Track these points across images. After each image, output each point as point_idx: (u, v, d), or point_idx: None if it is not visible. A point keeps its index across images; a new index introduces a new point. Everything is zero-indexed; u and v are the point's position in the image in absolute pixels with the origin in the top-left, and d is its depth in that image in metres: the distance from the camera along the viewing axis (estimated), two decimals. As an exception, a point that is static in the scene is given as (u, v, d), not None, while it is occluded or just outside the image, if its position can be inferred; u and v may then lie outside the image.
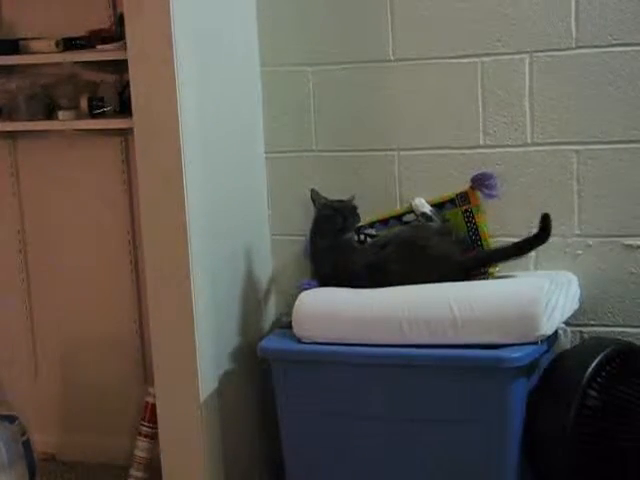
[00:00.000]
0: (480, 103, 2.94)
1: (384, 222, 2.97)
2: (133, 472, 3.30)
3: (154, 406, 3.03)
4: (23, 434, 3.25)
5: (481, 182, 2.88)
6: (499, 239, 2.90)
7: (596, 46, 2.81)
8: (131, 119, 2.84)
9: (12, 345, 3.65)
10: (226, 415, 2.96)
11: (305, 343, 2.78)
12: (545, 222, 2.72)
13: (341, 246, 2.85)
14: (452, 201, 2.90)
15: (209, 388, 2.89)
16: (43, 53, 3.33)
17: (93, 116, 3.30)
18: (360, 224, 2.92)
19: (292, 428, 2.83)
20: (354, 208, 2.88)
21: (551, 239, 2.74)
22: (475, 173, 2.90)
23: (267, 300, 3.20)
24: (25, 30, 3.45)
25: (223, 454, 2.95)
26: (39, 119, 3.37)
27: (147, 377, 3.41)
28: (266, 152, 3.18)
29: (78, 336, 3.57)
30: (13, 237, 3.60)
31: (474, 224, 2.88)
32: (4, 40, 3.42)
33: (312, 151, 3.13)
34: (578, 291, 2.86)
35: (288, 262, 3.18)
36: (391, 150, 3.05)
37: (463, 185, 2.90)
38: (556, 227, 2.78)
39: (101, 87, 3.37)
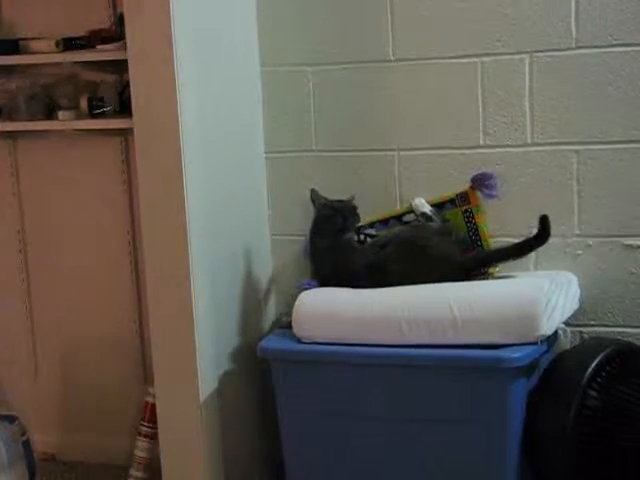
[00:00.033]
0: (480, 103, 2.94)
1: (384, 222, 2.97)
2: (133, 472, 3.30)
3: (154, 406, 3.03)
4: (23, 434, 3.24)
5: (481, 182, 2.88)
6: (499, 239, 2.90)
7: (596, 46, 2.81)
8: (131, 119, 2.84)
9: (12, 345, 3.65)
10: (226, 415, 2.96)
11: (305, 343, 2.78)
12: (544, 223, 2.72)
13: (341, 246, 2.85)
14: (452, 201, 2.90)
15: (209, 388, 2.89)
16: (43, 53, 3.33)
17: (93, 116, 3.30)
18: (360, 224, 2.92)
19: (292, 428, 2.83)
20: (354, 208, 2.88)
21: (551, 239, 2.74)
22: (475, 173, 2.90)
23: (267, 300, 3.20)
24: (25, 30, 3.44)
25: (223, 454, 2.95)
26: (39, 119, 3.37)
27: (147, 377, 3.41)
28: (266, 152, 3.18)
29: (78, 336, 3.57)
30: (13, 237, 3.60)
31: (474, 224, 2.88)
32: (4, 40, 3.42)
33: (312, 151, 3.13)
34: (578, 291, 2.86)
35: (288, 262, 3.18)
36: (391, 150, 3.05)
37: (463, 185, 2.90)
38: (556, 227, 2.79)
39: (101, 87, 3.37)
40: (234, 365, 3.01)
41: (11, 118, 3.41)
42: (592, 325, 2.90)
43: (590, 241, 2.88)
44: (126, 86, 3.10)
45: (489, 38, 2.90)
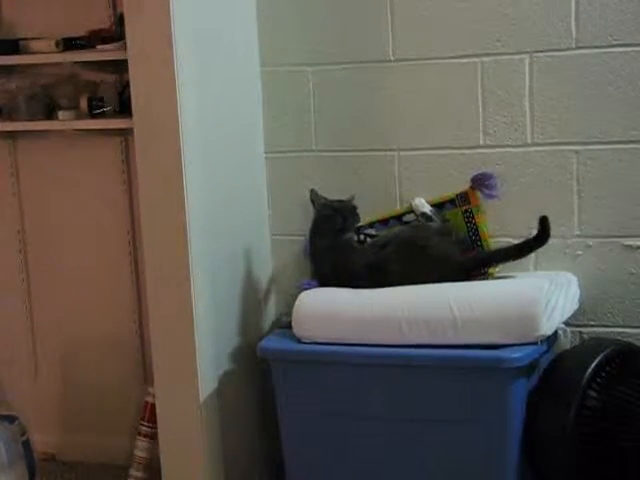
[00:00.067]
0: (480, 103, 2.94)
1: (384, 222, 2.97)
2: (133, 472, 3.30)
3: (154, 406, 3.03)
4: (23, 434, 3.25)
5: (481, 182, 2.88)
6: (499, 239, 2.90)
7: (596, 46, 2.81)
8: (131, 119, 2.84)
9: (12, 345, 3.65)
10: (226, 415, 2.96)
11: (305, 343, 2.78)
12: (544, 224, 2.72)
13: (341, 246, 2.85)
14: (452, 201, 2.90)
15: (209, 388, 2.89)
16: (43, 53, 3.33)
17: (93, 116, 3.30)
18: (360, 224, 2.92)
19: (292, 428, 2.83)
20: (354, 208, 2.88)
21: (551, 240, 2.74)
22: (475, 173, 2.90)
23: (267, 300, 3.20)
24: (25, 30, 3.45)
25: (223, 454, 2.95)
26: (39, 119, 3.37)
27: (147, 377, 3.41)
28: (266, 152, 3.18)
29: (78, 336, 3.57)
30: (13, 237, 3.60)
31: (474, 224, 2.88)
32: (4, 40, 3.42)
33: (312, 151, 3.13)
34: (578, 291, 2.86)
35: (288, 262, 3.18)
36: (391, 150, 3.05)
37: (463, 185, 2.90)
38: (556, 228, 2.79)
39: (101, 87, 3.37)
40: (234, 365, 3.01)
41: (11, 118, 3.41)
42: (592, 325, 2.90)
43: (590, 241, 2.88)
44: (126, 86, 3.10)
45: (489, 38, 2.90)
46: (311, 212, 2.91)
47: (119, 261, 3.48)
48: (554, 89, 2.86)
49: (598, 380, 2.59)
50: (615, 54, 2.79)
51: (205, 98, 2.84)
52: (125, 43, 2.80)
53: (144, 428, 3.27)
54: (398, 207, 3.02)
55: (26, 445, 3.24)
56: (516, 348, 2.59)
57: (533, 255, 2.85)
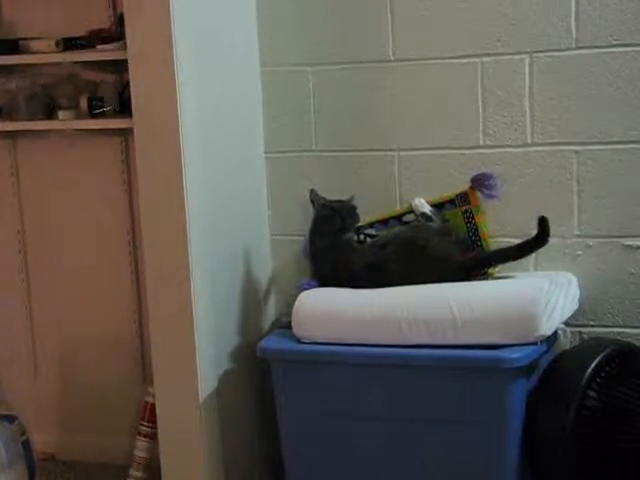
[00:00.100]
0: (480, 103, 2.94)
1: (384, 222, 2.97)
2: (132, 472, 3.30)
3: (153, 406, 3.03)
4: (22, 434, 3.24)
5: (481, 182, 2.88)
6: (499, 239, 2.90)
7: (596, 46, 2.81)
8: (131, 119, 2.84)
9: (12, 345, 3.65)
10: (225, 415, 2.96)
11: (305, 343, 2.78)
12: (543, 225, 2.71)
13: (341, 246, 2.85)
14: (452, 201, 2.90)
15: (209, 388, 2.89)
16: (43, 53, 3.33)
17: (93, 116, 3.30)
18: (360, 224, 2.92)
19: (292, 428, 2.83)
20: (353, 208, 2.87)
21: (551, 240, 2.74)
22: (475, 173, 2.90)
23: (267, 300, 3.20)
24: (25, 30, 3.44)
25: (222, 454, 2.95)
26: (39, 119, 3.37)
27: (147, 377, 3.41)
28: (266, 152, 3.18)
29: (78, 336, 3.57)
30: (13, 237, 3.60)
31: (474, 224, 2.88)
32: (4, 40, 3.42)
33: (312, 151, 3.13)
34: (578, 292, 2.86)
35: (288, 262, 3.18)
36: (391, 150, 3.05)
37: (463, 185, 2.90)
38: (556, 228, 2.79)
39: (101, 87, 3.37)
40: (234, 365, 3.01)
41: (11, 118, 3.41)
42: (592, 325, 2.90)
43: (590, 242, 2.88)
44: (126, 86, 3.10)
45: (489, 38, 2.90)
46: (311, 212, 2.91)
47: (119, 261, 3.48)
48: (554, 89, 2.86)
49: (598, 380, 2.59)
50: (615, 54, 2.79)
51: (205, 98, 2.84)
52: (125, 43, 2.80)
53: (144, 428, 3.27)
54: (398, 207, 3.02)
55: (26, 445, 3.24)
56: (516, 348, 2.59)
57: (533, 255, 2.85)
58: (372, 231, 2.96)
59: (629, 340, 2.82)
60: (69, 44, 3.33)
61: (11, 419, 3.23)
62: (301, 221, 3.02)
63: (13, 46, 3.38)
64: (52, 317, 3.59)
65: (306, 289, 2.87)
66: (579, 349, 2.84)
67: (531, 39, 2.86)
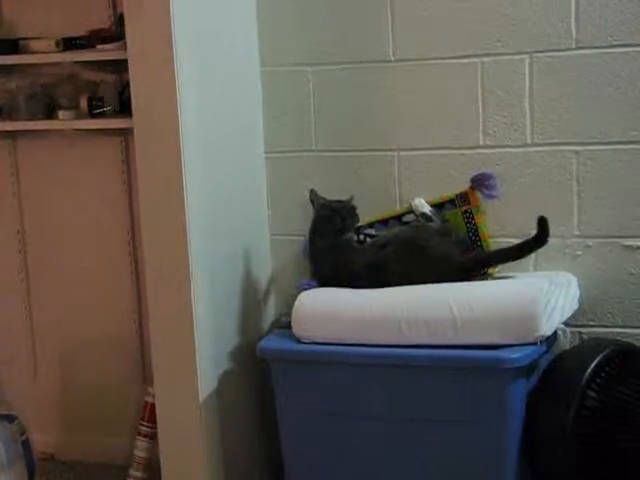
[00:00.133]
0: (480, 103, 2.94)
1: (384, 222, 2.97)
2: (132, 472, 3.30)
3: (153, 406, 3.03)
4: (22, 434, 3.24)
5: (481, 182, 2.88)
6: (499, 240, 2.90)
7: (596, 47, 2.81)
8: (131, 119, 2.84)
9: (12, 345, 3.65)
10: (225, 415, 2.96)
11: (304, 343, 2.78)
12: (542, 225, 2.71)
13: (341, 246, 2.85)
14: (452, 201, 2.90)
15: (208, 388, 2.89)
16: (43, 53, 3.33)
17: (93, 116, 3.30)
18: (360, 224, 2.92)
19: (291, 428, 2.83)
20: (353, 208, 2.87)
21: (551, 240, 2.74)
22: (475, 173, 2.90)
23: (266, 300, 3.20)
24: (25, 30, 3.44)
25: (222, 454, 2.95)
26: (39, 119, 3.37)
27: (146, 377, 3.41)
28: (266, 152, 3.18)
29: (78, 336, 3.57)
30: (13, 237, 3.59)
31: (474, 225, 2.88)
32: (4, 40, 3.42)
33: (312, 151, 3.13)
34: (577, 292, 2.86)
35: (288, 262, 3.18)
36: (391, 150, 3.05)
37: (463, 185, 2.90)
38: (556, 228, 2.79)
39: (101, 87, 3.37)
40: (233, 365, 3.01)
41: (11, 118, 3.41)
42: (591, 326, 2.90)
43: (590, 242, 2.88)
44: (126, 86, 3.10)
45: (489, 38, 2.90)
46: (311, 212, 2.91)
47: (119, 261, 3.48)
48: (554, 89, 2.87)
49: (597, 380, 2.59)
50: (615, 54, 2.79)
51: (205, 98, 2.84)
52: (125, 43, 2.80)
53: (144, 428, 3.27)
54: (398, 207, 3.02)
55: (25, 445, 3.24)
56: (516, 348, 2.59)
57: (533, 255, 2.85)
58: (372, 231, 2.96)
59: (629, 340, 2.82)
60: (69, 44, 3.33)
61: (11, 419, 3.23)
62: (301, 221, 3.02)
63: (13, 46, 3.38)
64: (52, 317, 3.59)
65: (306, 289, 2.87)
66: (579, 349, 2.84)
67: (531, 39, 2.86)
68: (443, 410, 2.65)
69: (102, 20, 3.35)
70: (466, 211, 2.88)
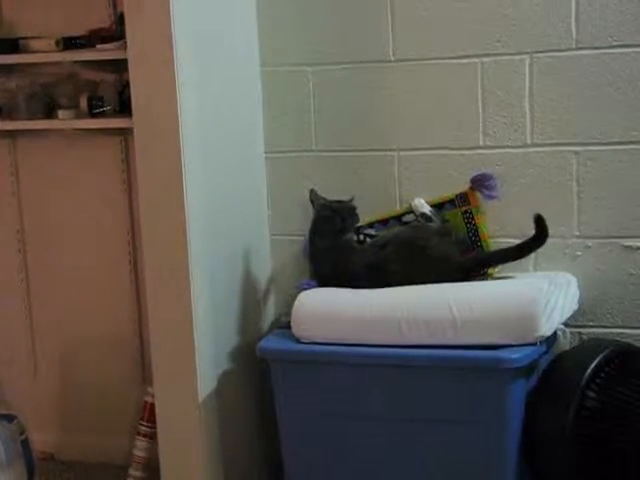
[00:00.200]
0: (480, 104, 2.94)
1: (384, 222, 2.97)
2: (132, 472, 3.30)
3: (153, 406, 3.03)
4: (22, 433, 3.24)
5: (481, 183, 2.88)
6: (499, 240, 2.90)
7: (596, 47, 2.81)
8: (131, 119, 2.84)
9: (11, 344, 3.65)
10: (225, 415, 2.96)
11: (304, 343, 2.78)
12: (540, 224, 2.71)
13: (341, 246, 2.85)
14: (452, 202, 2.90)
15: (208, 388, 2.89)
16: (43, 52, 3.33)
17: (93, 115, 3.30)
18: (360, 224, 2.92)
19: (291, 428, 2.83)
20: (353, 209, 2.87)
21: (550, 240, 2.74)
22: (475, 174, 2.90)
23: (266, 300, 3.20)
24: (25, 29, 3.44)
25: (222, 454, 2.95)
26: (39, 118, 3.37)
27: (146, 377, 3.41)
28: (266, 152, 3.18)
29: (77, 336, 3.57)
30: (12, 237, 3.59)
31: (473, 225, 2.88)
32: (4, 39, 3.42)
33: (312, 151, 3.13)
34: (577, 292, 2.86)
35: (287, 262, 3.18)
36: (391, 150, 3.05)
37: (463, 186, 2.90)
38: (555, 228, 2.79)
39: (101, 86, 3.37)
40: (233, 365, 3.01)
41: (11, 117, 3.41)
42: (591, 326, 2.90)
43: (589, 242, 2.88)
44: (126, 85, 3.10)
45: (489, 38, 2.90)
46: (311, 212, 2.91)
47: (119, 261, 3.48)
48: (554, 90, 2.87)
49: (597, 381, 2.59)
50: (615, 55, 2.79)
51: (205, 98, 2.84)
52: (125, 42, 2.80)
53: (143, 428, 3.27)
54: (398, 207, 3.02)
55: (25, 444, 3.24)
56: (515, 349, 2.59)
57: (532, 255, 2.85)
58: (372, 231, 2.96)
59: (628, 341, 2.82)
60: (69, 43, 3.33)
61: (10, 418, 3.23)
62: (301, 221, 3.02)
63: (13, 45, 3.38)
64: (52, 317, 3.59)
65: (306, 289, 2.87)
66: (578, 350, 2.84)
67: (531, 39, 2.86)
68: (443, 410, 2.65)
69: (102, 20, 3.35)
70: (466, 211, 2.89)
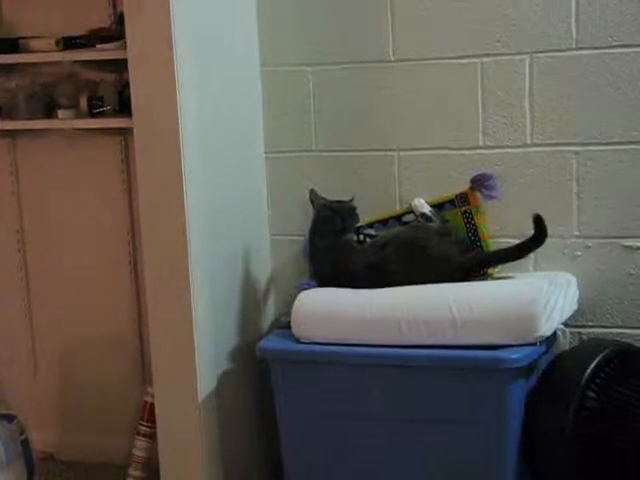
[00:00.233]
0: (480, 104, 2.94)
1: (383, 222, 2.97)
2: (132, 471, 3.30)
3: (153, 406, 3.03)
4: (22, 433, 3.24)
5: (481, 183, 2.88)
6: (498, 240, 2.90)
7: (596, 47, 2.81)
8: (131, 119, 2.84)
9: (11, 344, 3.65)
10: (225, 415, 2.96)
11: (304, 343, 2.78)
12: (538, 223, 2.71)
13: (341, 246, 2.85)
14: (451, 202, 2.90)
15: (208, 388, 2.89)
16: (43, 52, 3.33)
17: (93, 115, 3.30)
18: (360, 224, 2.92)
19: (291, 428, 2.83)
20: (353, 209, 2.87)
21: (550, 240, 2.74)
22: (475, 174, 2.90)
23: (266, 300, 3.20)
24: (25, 29, 3.44)
25: (221, 454, 2.95)
26: (39, 118, 3.37)
27: (146, 377, 3.41)
28: (266, 152, 3.18)
29: (77, 335, 3.57)
30: (12, 236, 3.59)
31: (473, 225, 2.88)
32: (4, 39, 3.42)
33: (312, 151, 3.13)
34: (577, 292, 2.86)
35: (287, 262, 3.18)
36: (391, 150, 3.05)
37: (463, 186, 2.90)
38: (555, 228, 2.79)
39: (101, 86, 3.37)
40: (233, 365, 3.01)
41: (11, 117, 3.41)
42: (591, 326, 2.90)
43: (589, 242, 2.88)
44: (126, 85, 3.10)
45: (489, 38, 2.90)
46: (311, 212, 2.91)
47: (119, 261, 3.48)
48: (554, 90, 2.87)
49: (597, 381, 2.59)
50: (615, 55, 2.80)
51: (205, 98, 2.84)
52: (125, 42, 2.80)
53: (143, 428, 3.27)
54: (398, 207, 3.02)
55: (25, 444, 3.24)
56: (515, 349, 2.59)
57: (532, 255, 2.85)
58: (372, 231, 2.96)
59: (628, 341, 2.82)
60: (69, 43, 3.33)
61: (10, 418, 3.23)
62: (301, 221, 3.02)
63: (13, 45, 3.38)
64: (52, 317, 3.59)
65: (305, 289, 2.87)
66: (578, 350, 2.84)
67: (531, 40, 2.86)
68: (443, 410, 2.65)
69: (102, 19, 3.35)
70: (466, 211, 2.89)
